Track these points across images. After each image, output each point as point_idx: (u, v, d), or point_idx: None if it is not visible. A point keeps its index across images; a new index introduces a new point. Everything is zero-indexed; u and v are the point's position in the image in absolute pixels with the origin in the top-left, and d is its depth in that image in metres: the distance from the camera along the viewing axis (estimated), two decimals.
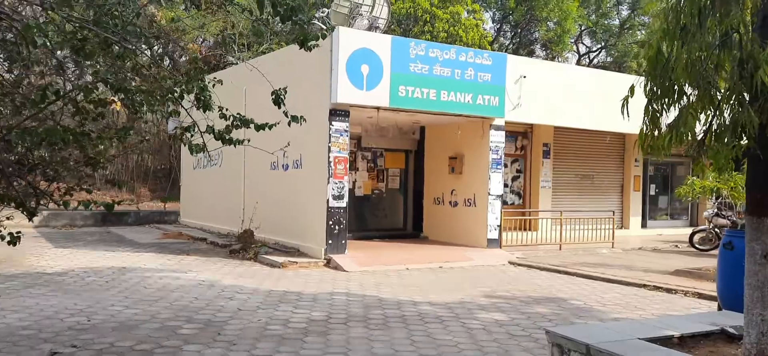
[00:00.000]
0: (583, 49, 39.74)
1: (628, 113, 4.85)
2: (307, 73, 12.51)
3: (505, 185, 15.83)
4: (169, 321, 7.06)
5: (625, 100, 4.90)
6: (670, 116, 4.70)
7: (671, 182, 20.65)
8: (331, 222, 11.85)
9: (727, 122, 4.37)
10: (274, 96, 5.12)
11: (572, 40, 36.52)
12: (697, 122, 4.50)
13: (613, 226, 15.42)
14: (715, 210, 15.71)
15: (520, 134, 16.78)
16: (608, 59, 39.80)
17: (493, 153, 13.62)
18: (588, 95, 15.21)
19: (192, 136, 5.00)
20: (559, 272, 11.62)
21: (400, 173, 16.21)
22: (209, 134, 4.89)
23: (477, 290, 9.64)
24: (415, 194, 16.09)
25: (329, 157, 11.81)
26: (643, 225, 19.26)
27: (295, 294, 8.85)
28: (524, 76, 13.88)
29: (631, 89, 4.81)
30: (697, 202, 20.59)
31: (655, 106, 4.77)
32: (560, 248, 14.41)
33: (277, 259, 11.48)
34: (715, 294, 9.39)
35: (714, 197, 20.73)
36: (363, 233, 15.00)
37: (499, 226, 13.70)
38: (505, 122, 13.83)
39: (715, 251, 15.13)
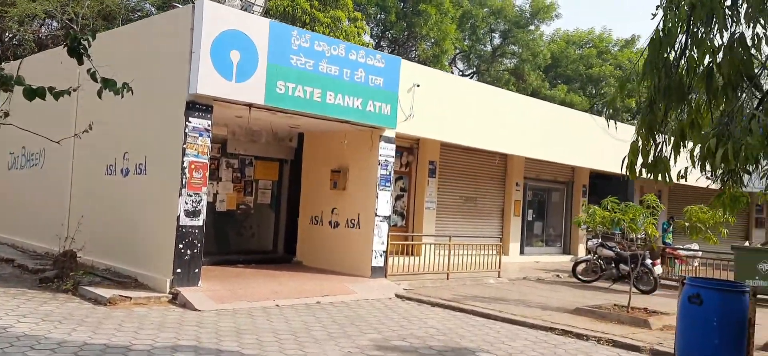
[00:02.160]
0: (456, 73, 39.84)
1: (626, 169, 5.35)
2: (161, 54, 9.97)
3: None
4: None
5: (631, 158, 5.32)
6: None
7: (547, 208, 20.31)
8: (181, 245, 9.36)
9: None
10: (70, 42, 2.84)
11: (448, 62, 36.33)
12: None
13: (500, 254, 14.30)
14: (600, 240, 15.23)
15: (405, 150, 15.25)
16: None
17: (382, 168, 11.85)
18: (480, 112, 14.04)
19: None
20: (453, 308, 10.06)
21: (273, 186, 13.94)
22: None
23: (366, 338, 7.71)
24: (289, 212, 13.89)
25: (183, 162, 9.34)
26: (521, 252, 18.58)
27: (118, 352, 6.33)
28: (418, 85, 12.33)
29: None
30: (570, 230, 20.45)
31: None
32: (448, 277, 12.95)
33: (103, 293, 8.73)
34: (628, 340, 8.31)
35: (593, 229, 20.81)
36: (223, 256, 12.51)
37: (386, 252, 11.93)
38: (396, 134, 12.16)
39: (599, 283, 14.68)
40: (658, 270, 13.57)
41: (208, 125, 9.58)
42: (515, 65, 39.18)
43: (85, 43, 2.78)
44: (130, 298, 8.67)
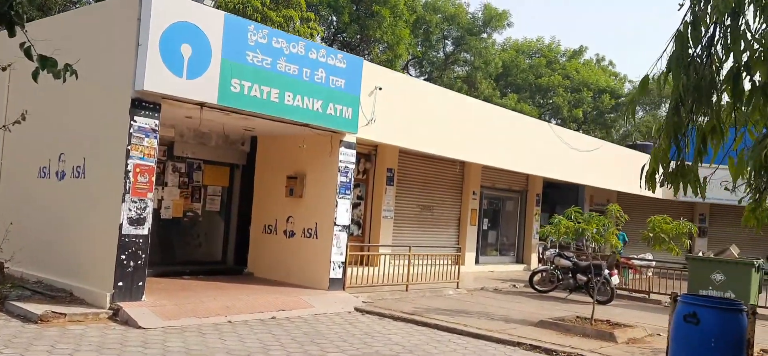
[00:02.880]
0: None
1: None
2: (104, 46, 9.14)
3: None
4: None
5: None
6: None
7: (501, 217, 20.19)
8: (124, 256, 8.54)
9: None
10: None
11: (402, 67, 36.09)
12: None
13: (458, 264, 13.96)
14: (557, 250, 15.13)
15: (363, 156, 14.73)
16: None
17: (342, 175, 11.30)
18: (442, 118, 13.69)
19: None
20: (416, 322, 9.60)
21: (223, 193, 13.15)
22: None
23: None
24: (240, 220, 13.13)
25: (127, 165, 8.53)
26: (476, 261, 18.35)
27: None
28: (380, 88, 11.86)
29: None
30: (524, 240, 20.41)
31: None
32: (407, 289, 12.50)
33: (34, 309, 7.82)
34: (592, 355, 8.06)
35: (557, 239, 20.80)
36: (169, 267, 11.65)
37: (344, 264, 11.36)
38: (356, 139, 11.63)
39: (556, 293, 14.55)
40: (615, 280, 13.53)
41: (156, 125, 8.80)
42: (467, 73, 39.32)
43: (19, 7, 2.17)
44: (65, 315, 7.80)
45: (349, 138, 11.38)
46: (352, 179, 11.57)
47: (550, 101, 41.58)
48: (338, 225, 11.24)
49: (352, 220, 14.59)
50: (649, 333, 9.79)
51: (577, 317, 10.39)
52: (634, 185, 19.99)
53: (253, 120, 10.40)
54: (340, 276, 11.25)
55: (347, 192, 11.42)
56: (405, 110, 12.70)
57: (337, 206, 11.21)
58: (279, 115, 10.00)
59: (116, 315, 8.25)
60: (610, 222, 10.25)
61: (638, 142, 30.50)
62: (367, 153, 14.87)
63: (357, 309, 10.35)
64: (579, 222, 10.44)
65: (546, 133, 17.36)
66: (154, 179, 8.89)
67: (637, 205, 20.34)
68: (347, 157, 11.38)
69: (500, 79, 42.36)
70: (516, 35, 57.47)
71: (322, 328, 8.75)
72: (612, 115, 44.96)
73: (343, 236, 11.32)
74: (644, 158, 19.69)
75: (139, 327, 7.85)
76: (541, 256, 20.41)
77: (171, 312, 8.57)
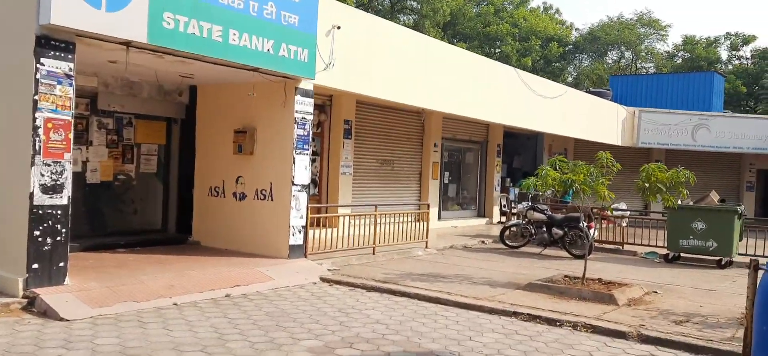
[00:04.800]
0: None
1: None
2: None
3: None
4: None
5: None
6: None
7: (462, 170, 19.22)
8: (38, 232, 6.92)
9: None
10: None
11: None
12: None
13: (427, 222, 12.86)
14: (529, 203, 14.26)
15: (317, 107, 13.25)
16: None
17: (299, 127, 9.86)
18: (405, 62, 12.36)
19: None
20: (393, 293, 8.44)
21: (160, 152, 11.47)
22: None
23: (302, 348, 5.88)
24: (181, 182, 11.51)
25: (36, 119, 6.84)
26: (439, 217, 17.35)
27: None
28: (338, 27, 10.38)
29: None
30: (485, 193, 19.53)
31: None
32: (374, 253, 11.32)
33: None
34: (604, 324, 7.11)
35: (510, 191, 20.00)
36: (99, 240, 10.03)
37: (305, 228, 10.03)
38: (314, 86, 10.18)
39: (529, 248, 13.68)
40: (593, 232, 12.79)
41: (70, 70, 7.10)
42: (415, 21, 37.86)
43: None
44: None
45: (306, 85, 9.91)
46: (311, 132, 10.16)
47: (499, 50, 40.77)
48: (297, 185, 9.85)
49: None
50: (646, 291, 9.00)
51: (565, 276, 9.50)
52: (593, 132, 19.25)
53: (192, 64, 8.78)
54: (300, 241, 9.93)
55: (306, 147, 10.01)
56: (366, 53, 11.30)
57: (294, 163, 9.80)
58: (223, 57, 8.42)
59: (32, 305, 6.69)
60: (598, 171, 9.29)
61: (591, 88, 30.07)
62: (322, 103, 13.43)
63: (323, 279, 9.09)
64: (566, 172, 9.44)
65: (512, 79, 16.32)
66: (71, 136, 7.23)
67: (594, 151, 19.71)
68: (304, 106, 9.93)
69: (448, 28, 41.15)
70: None
71: (287, 306, 7.45)
72: (559, 63, 44.70)
73: (303, 196, 9.96)
74: (603, 104, 18.99)
75: (61, 319, 6.35)
76: (502, 208, 19.67)
77: (102, 297, 7.06)
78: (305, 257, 9.97)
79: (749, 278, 4.73)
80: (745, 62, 42.91)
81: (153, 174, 11.44)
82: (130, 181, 11.10)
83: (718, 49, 43.82)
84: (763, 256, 12.26)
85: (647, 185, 9.10)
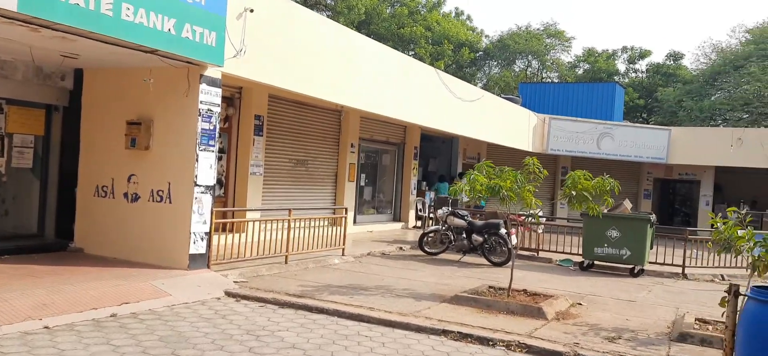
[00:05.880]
0: None
1: None
2: None
3: None
4: None
5: None
6: None
7: (378, 172, 18.59)
8: None
9: None
10: None
11: None
12: None
13: (344, 228, 12.04)
14: (449, 209, 13.79)
15: (225, 100, 12.08)
16: None
17: (204, 120, 8.73)
18: (322, 54, 11.48)
19: None
20: (309, 309, 7.56)
21: (37, 144, 9.89)
22: None
23: None
24: (63, 180, 9.99)
25: None
26: (355, 221, 16.59)
27: None
28: (251, 10, 9.34)
29: None
30: (401, 197, 19.00)
31: None
32: (287, 261, 10.35)
33: None
34: (539, 343, 6.60)
35: (427, 194, 19.51)
36: None
37: (209, 234, 8.91)
38: (223, 75, 9.09)
39: (448, 255, 13.19)
40: (514, 239, 12.47)
41: None
42: (329, 18, 36.93)
43: None
44: None
45: (213, 72, 8.81)
46: (217, 127, 9.06)
47: (413, 52, 40.66)
48: (200, 185, 8.72)
49: None
50: (572, 303, 8.68)
51: (490, 287, 9.03)
52: (507, 138, 19.17)
53: (77, 42, 7.45)
54: (203, 250, 8.80)
55: (211, 143, 8.90)
56: (282, 42, 10.31)
57: (197, 160, 8.66)
58: (113, 34, 7.19)
59: None
60: (525, 178, 8.88)
61: (501, 95, 30.49)
62: (230, 96, 12.27)
63: (229, 294, 8.04)
64: (492, 178, 8.96)
65: (433, 80, 15.85)
66: None
67: (506, 156, 19.75)
68: (210, 97, 8.82)
69: (362, 27, 40.51)
70: None
71: (186, 328, 6.38)
72: (470, 69, 45.33)
73: (207, 199, 8.84)
74: (517, 110, 18.98)
75: None
76: (418, 213, 19.20)
77: None
78: (208, 267, 8.85)
79: (729, 305, 4.31)
80: (641, 76, 45.44)
81: (28, 170, 9.86)
82: (0, 177, 9.48)
83: (616, 62, 46.11)
84: (672, 265, 12.51)
85: (574, 193, 8.77)
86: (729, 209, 7.31)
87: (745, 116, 33.66)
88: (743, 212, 6.76)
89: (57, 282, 7.40)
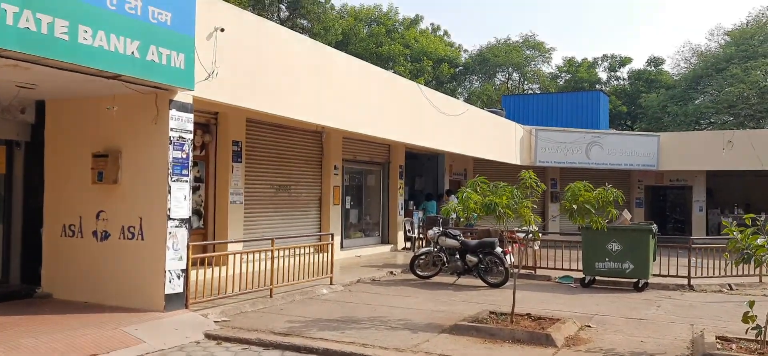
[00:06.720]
0: None
1: None
2: None
3: None
4: None
5: None
6: None
7: (364, 194, 17.99)
8: None
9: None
10: None
11: None
12: None
13: (331, 255, 11.40)
14: (440, 229, 13.19)
15: (200, 127, 11.49)
16: None
17: (175, 149, 8.09)
18: (300, 73, 10.93)
19: None
20: (297, 349, 6.92)
21: None
22: None
23: None
24: (27, 220, 9.27)
25: None
26: (342, 246, 15.94)
27: None
28: (222, 29, 8.77)
29: None
30: (389, 218, 18.40)
31: None
32: (271, 295, 9.68)
33: None
34: None
35: (415, 214, 18.93)
36: None
37: (186, 271, 8.23)
38: (195, 100, 8.48)
39: (441, 277, 12.53)
40: (510, 258, 11.93)
41: None
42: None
43: None
44: None
45: (183, 97, 8.19)
46: (191, 155, 8.42)
47: (392, 70, 40.34)
48: (174, 219, 8.06)
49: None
50: (580, 326, 8.11)
51: (491, 313, 8.44)
52: (493, 151, 18.66)
53: (31, 70, 6.82)
54: (180, 288, 8.12)
55: (185, 173, 8.26)
56: (256, 63, 9.74)
57: (170, 192, 8.01)
58: (70, 60, 6.57)
59: None
60: (521, 193, 8.35)
61: (487, 108, 30.16)
62: (206, 122, 11.67)
63: (209, 336, 7.36)
64: (486, 195, 8.41)
65: (415, 95, 15.36)
66: None
67: (493, 171, 19.29)
68: (182, 123, 8.20)
69: (340, 48, 40.12)
70: (352, 1, 55.49)
71: None
72: (451, 84, 45.09)
73: (182, 233, 8.18)
74: (502, 123, 18.51)
75: None
76: (407, 233, 18.60)
77: None
78: (186, 307, 8.17)
79: None
80: (623, 83, 45.52)
81: None
82: None
83: (597, 70, 46.19)
84: (677, 276, 12.00)
85: (575, 206, 8.24)
86: (746, 216, 6.82)
87: (730, 119, 33.67)
88: (761, 219, 6.26)
89: (16, 335, 6.68)
